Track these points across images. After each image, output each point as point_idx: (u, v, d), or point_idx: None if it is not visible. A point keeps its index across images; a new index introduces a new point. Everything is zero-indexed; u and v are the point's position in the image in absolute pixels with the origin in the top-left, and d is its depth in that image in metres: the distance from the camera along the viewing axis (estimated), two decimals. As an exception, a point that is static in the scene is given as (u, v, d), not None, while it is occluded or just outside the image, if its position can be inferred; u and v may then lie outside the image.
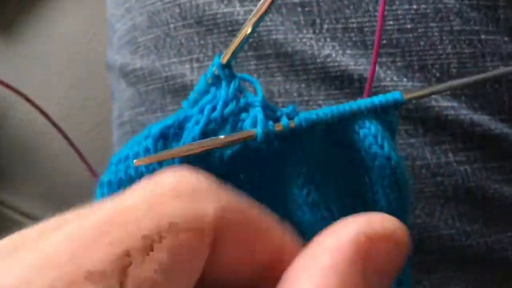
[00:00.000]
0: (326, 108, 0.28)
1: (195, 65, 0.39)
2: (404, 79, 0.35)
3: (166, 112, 0.41)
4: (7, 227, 0.64)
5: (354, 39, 0.36)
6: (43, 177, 0.64)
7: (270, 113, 0.28)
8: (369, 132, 0.28)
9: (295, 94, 0.36)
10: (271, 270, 0.18)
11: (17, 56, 0.68)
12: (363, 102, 0.29)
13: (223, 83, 0.28)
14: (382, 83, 0.35)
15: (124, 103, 0.45)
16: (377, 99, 0.30)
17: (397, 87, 0.35)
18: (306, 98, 0.36)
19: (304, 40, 0.36)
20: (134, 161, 0.27)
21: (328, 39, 0.36)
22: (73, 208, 0.17)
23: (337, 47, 0.36)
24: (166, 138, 0.29)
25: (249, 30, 0.27)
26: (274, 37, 0.36)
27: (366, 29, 0.36)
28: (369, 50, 0.36)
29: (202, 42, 0.39)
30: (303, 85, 0.36)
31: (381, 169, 0.29)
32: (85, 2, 0.67)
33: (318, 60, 0.36)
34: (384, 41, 0.35)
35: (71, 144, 0.49)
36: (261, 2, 0.27)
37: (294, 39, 0.36)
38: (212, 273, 0.18)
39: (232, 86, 0.28)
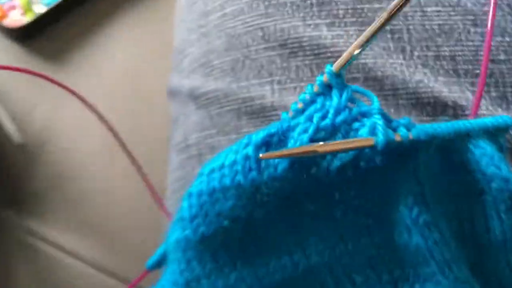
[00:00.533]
0: (442, 124, 0.27)
1: (276, 86, 0.38)
2: (499, 109, 0.34)
3: (240, 135, 0.40)
4: (39, 258, 0.61)
5: (446, 67, 0.35)
6: (78, 210, 0.62)
7: (386, 123, 0.27)
8: (485, 152, 0.27)
9: None
10: None
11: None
12: (477, 121, 0.28)
13: (334, 91, 0.27)
14: (478, 112, 0.34)
15: (190, 127, 0.44)
16: (489, 120, 0.28)
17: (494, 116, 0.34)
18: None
19: (394, 65, 0.35)
20: (261, 154, 0.25)
21: (419, 66, 0.35)
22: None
23: (428, 74, 0.35)
24: (269, 145, 0.28)
25: (358, 51, 0.26)
26: (363, 61, 0.36)
27: (458, 58, 0.35)
28: (461, 78, 0.35)
29: (284, 64, 0.38)
30: (392, 110, 0.35)
31: (498, 192, 0.27)
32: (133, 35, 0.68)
33: (410, 85, 0.35)
34: (477, 71, 0.35)
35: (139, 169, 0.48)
36: (373, 24, 0.26)
37: (384, 64, 0.36)
38: None
39: (344, 94, 0.27)
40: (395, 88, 0.35)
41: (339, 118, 0.27)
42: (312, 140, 0.27)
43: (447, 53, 0.35)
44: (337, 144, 0.25)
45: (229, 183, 0.27)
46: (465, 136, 0.27)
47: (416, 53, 0.35)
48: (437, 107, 0.35)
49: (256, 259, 0.26)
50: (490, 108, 0.34)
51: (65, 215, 0.63)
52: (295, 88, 0.38)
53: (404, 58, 0.35)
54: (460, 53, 0.35)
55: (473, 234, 0.28)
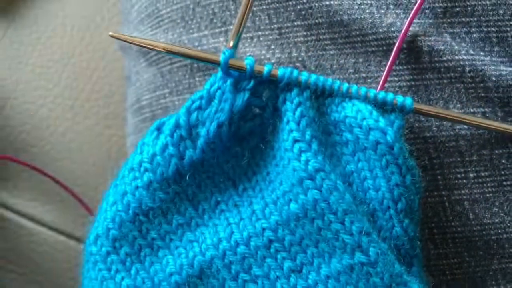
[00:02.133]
0: (321, 77, 0.28)
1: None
2: (481, 53, 0.30)
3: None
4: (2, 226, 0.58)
5: (424, 5, 0.30)
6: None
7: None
8: (360, 108, 0.27)
9: (350, 70, 0.31)
10: None
11: (16, 42, 0.62)
12: (369, 91, 0.28)
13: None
14: (457, 57, 0.30)
15: (143, 87, 0.40)
16: (387, 96, 0.28)
17: (474, 62, 0.30)
18: (363, 75, 0.31)
19: (362, 6, 0.31)
20: (110, 33, 0.28)
21: (391, 6, 0.31)
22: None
23: (401, 15, 0.31)
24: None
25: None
26: (327, 2, 0.31)
27: (435, -6, 0.30)
28: (439, 18, 0.30)
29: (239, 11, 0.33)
30: (360, 60, 0.31)
31: (376, 145, 0.27)
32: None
33: (380, 30, 0.31)
34: (458, 9, 0.30)
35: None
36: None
37: (351, 5, 0.31)
38: None
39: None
40: (363, 34, 0.31)
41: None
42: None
43: (422, -10, 0.30)
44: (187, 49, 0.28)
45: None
46: (347, 99, 0.28)
47: (387, -9, 0.31)
48: (411, 54, 0.30)
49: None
50: (471, 52, 0.30)
51: (28, 181, 0.60)
52: (251, 38, 0.33)
53: (374, -2, 0.31)
54: (436, -12, 0.30)
55: (362, 197, 0.27)
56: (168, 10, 0.36)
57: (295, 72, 0.28)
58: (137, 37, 0.27)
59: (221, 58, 0.27)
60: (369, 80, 0.31)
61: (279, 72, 0.28)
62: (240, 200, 0.28)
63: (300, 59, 0.32)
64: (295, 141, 0.26)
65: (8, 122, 0.61)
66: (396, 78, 0.31)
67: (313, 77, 0.28)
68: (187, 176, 0.28)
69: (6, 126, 0.61)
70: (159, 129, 0.29)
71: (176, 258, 0.27)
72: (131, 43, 0.27)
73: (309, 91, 0.28)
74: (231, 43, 0.28)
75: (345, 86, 0.28)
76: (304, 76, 0.28)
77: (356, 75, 0.31)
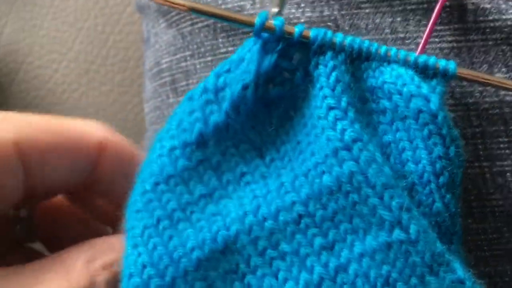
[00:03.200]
0: (357, 38, 0.26)
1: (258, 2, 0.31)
2: None
3: (218, 56, 0.33)
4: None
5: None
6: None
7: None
8: (401, 73, 0.25)
9: (387, 30, 0.29)
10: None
11: (30, 4, 0.60)
12: (409, 54, 0.26)
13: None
14: (504, 16, 0.27)
15: (162, 49, 0.37)
16: (428, 59, 0.26)
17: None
18: (401, 35, 0.29)
19: (401, -40, 0.28)
20: None
21: (433, -40, 0.28)
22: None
23: (444, -30, 0.28)
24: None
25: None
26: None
27: None
28: (486, -26, 0.28)
29: (266, -34, 0.31)
30: (398, 19, 0.29)
31: (418, 113, 0.25)
32: None
33: (421, -14, 0.28)
34: (506, -37, 0.28)
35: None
36: None
37: (389, -41, 0.28)
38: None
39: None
40: None
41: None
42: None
43: None
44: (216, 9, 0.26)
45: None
46: (385, 63, 0.26)
47: None
48: (453, 13, 0.28)
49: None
50: None
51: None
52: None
53: (414, -49, 0.28)
54: None
55: (399, 170, 0.25)
56: (190, -33, 0.34)
57: (329, 34, 0.25)
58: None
59: (256, 20, 0.25)
60: (407, 41, 0.29)
61: (311, 33, 0.25)
62: (268, 172, 0.26)
63: (332, 18, 0.29)
64: (330, 108, 0.24)
65: (22, 87, 0.60)
66: (436, 39, 0.28)
67: (349, 38, 0.25)
68: (211, 142, 0.26)
69: (20, 92, 0.60)
70: (190, 98, 0.27)
71: (198, 232, 0.25)
72: (157, 1, 0.25)
73: (344, 54, 0.25)
74: (275, 9, 0.26)
75: (383, 48, 0.26)
76: (339, 37, 0.25)
77: (393, 35, 0.29)
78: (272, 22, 0.25)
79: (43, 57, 0.60)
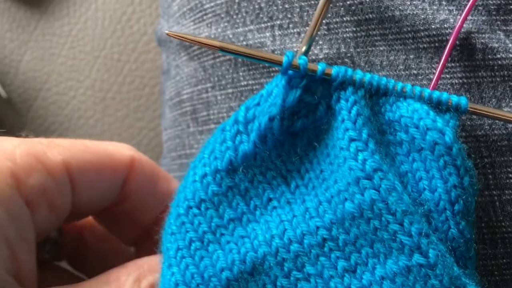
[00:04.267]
0: (376, 76, 0.28)
1: (278, 32, 0.33)
2: None
3: (238, 88, 0.35)
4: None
5: (477, 2, 0.30)
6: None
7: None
8: (417, 108, 0.27)
9: (401, 67, 0.31)
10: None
11: (49, 34, 0.62)
12: (424, 90, 0.28)
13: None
14: (511, 55, 0.29)
15: (183, 80, 0.39)
16: (441, 95, 0.28)
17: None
18: (414, 72, 0.30)
19: (415, 2, 0.30)
20: (166, 31, 0.29)
21: (443, 2, 0.30)
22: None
23: (454, 12, 0.30)
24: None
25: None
26: (378, -2, 0.31)
27: (489, -9, 0.30)
28: (492, 16, 0.30)
29: (287, 6, 0.33)
30: (411, 56, 0.30)
31: (434, 146, 0.26)
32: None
33: (433, 26, 0.30)
34: (512, 6, 0.30)
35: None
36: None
37: (403, 1, 0.30)
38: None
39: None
40: (415, 30, 0.30)
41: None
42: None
43: (476, -14, 0.30)
44: (244, 48, 0.28)
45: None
46: (401, 98, 0.28)
47: (439, -13, 0.30)
48: (464, 51, 0.30)
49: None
50: None
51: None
52: (298, 33, 0.33)
53: (426, -6, 0.30)
54: (491, -15, 0.30)
55: (416, 198, 0.27)
56: (212, 4, 0.36)
57: (350, 71, 0.27)
58: (191, 35, 0.27)
59: (284, 60, 0.27)
60: (420, 77, 0.30)
61: (333, 70, 0.27)
62: (293, 198, 0.28)
63: (349, 55, 0.31)
64: (352, 140, 0.26)
65: (40, 113, 0.62)
66: (448, 75, 0.30)
67: (368, 76, 0.27)
68: (240, 169, 0.28)
69: (38, 117, 0.61)
70: (223, 130, 0.29)
71: (227, 253, 0.27)
72: (187, 41, 0.27)
73: (363, 89, 0.27)
74: (303, 49, 0.28)
75: (399, 85, 0.27)
76: (358, 75, 0.27)
77: (407, 71, 0.30)
78: (297, 61, 0.27)
79: (61, 84, 0.61)
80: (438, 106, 0.27)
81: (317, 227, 0.26)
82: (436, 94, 0.27)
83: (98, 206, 0.32)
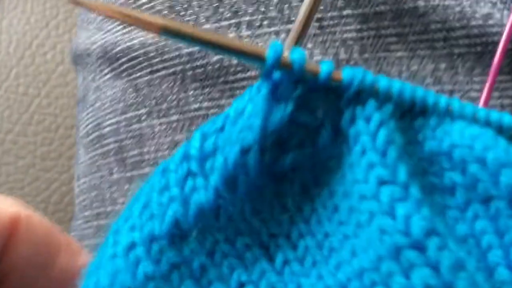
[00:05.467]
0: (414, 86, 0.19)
1: (246, 32, 0.24)
2: None
3: (187, 114, 0.25)
4: None
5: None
6: None
7: None
8: (478, 134, 0.18)
9: (428, 80, 0.23)
10: None
11: None
12: (478, 110, 0.19)
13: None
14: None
15: (105, 108, 0.29)
16: (504, 117, 0.19)
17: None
18: (448, 87, 0.22)
19: (444, -10, 0.22)
20: None
21: (483, -9, 0.22)
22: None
23: (499, 4, 0.22)
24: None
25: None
26: (392, -16, 0.22)
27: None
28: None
29: (257, -4, 0.24)
30: (442, 65, 0.23)
31: None
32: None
33: (473, 23, 0.22)
34: None
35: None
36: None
37: (428, -12, 0.22)
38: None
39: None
40: (447, 28, 0.23)
41: None
42: None
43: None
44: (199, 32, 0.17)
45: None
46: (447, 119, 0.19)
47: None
48: (518, 58, 0.22)
49: None
50: None
51: None
52: (277, 33, 0.23)
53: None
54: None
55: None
56: (149, -2, 0.26)
57: (369, 75, 0.18)
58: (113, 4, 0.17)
59: (268, 52, 0.17)
60: (455, 95, 0.22)
61: (344, 74, 0.18)
62: (280, 280, 0.18)
63: (352, 62, 0.22)
64: (382, 182, 0.16)
65: None
66: (496, 93, 0.22)
67: (396, 83, 0.18)
68: (193, 235, 0.17)
69: None
70: (165, 170, 0.19)
71: None
72: (104, 13, 0.16)
73: (392, 104, 0.18)
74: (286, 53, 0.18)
75: (442, 100, 0.18)
76: (383, 81, 0.18)
77: (437, 87, 0.23)
78: (287, 56, 0.17)
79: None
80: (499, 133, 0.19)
81: None
82: (495, 115, 0.18)
83: None
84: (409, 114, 0.18)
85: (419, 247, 0.16)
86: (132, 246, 0.18)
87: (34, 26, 0.52)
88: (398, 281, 0.16)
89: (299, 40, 0.20)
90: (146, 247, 0.18)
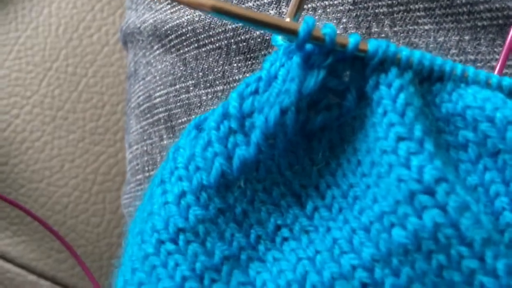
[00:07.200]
0: (433, 56, 0.21)
1: (285, 9, 0.27)
2: None
3: (231, 84, 0.28)
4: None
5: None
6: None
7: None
8: (488, 96, 0.20)
9: (453, 51, 0.25)
10: None
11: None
12: (491, 76, 0.21)
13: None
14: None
15: (156, 80, 0.32)
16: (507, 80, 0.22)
17: None
18: (471, 57, 0.25)
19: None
20: None
21: (506, -33, 0.24)
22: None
23: (521, -20, 0.24)
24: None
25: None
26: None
27: None
28: None
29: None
30: (466, 37, 0.25)
31: None
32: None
33: (495, -3, 0.24)
34: None
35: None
36: None
37: (453, -36, 0.24)
38: None
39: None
40: (472, 2, 0.24)
41: None
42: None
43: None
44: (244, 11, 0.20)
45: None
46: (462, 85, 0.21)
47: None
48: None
49: None
50: None
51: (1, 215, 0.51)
52: (314, 9, 0.26)
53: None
54: None
55: (493, 221, 0.20)
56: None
57: (393, 46, 0.21)
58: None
59: (302, 27, 0.20)
60: (478, 64, 0.25)
61: (370, 45, 0.20)
62: (311, 224, 0.21)
63: (383, 35, 0.25)
64: (400, 139, 0.19)
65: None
66: (511, 62, 0.24)
67: (417, 53, 0.21)
68: (236, 186, 0.20)
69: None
70: (199, 127, 0.21)
71: None
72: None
73: (411, 72, 0.20)
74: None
75: (458, 67, 0.21)
76: (404, 51, 0.21)
77: (461, 57, 0.25)
78: (320, 30, 0.20)
79: (2, 100, 0.53)
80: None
81: (353, 267, 0.19)
82: (506, 81, 0.21)
83: None
84: (428, 81, 0.21)
85: (430, 192, 0.18)
86: (182, 194, 0.21)
87: (81, 10, 0.55)
88: (412, 221, 0.19)
89: (298, 11, 0.22)
90: (196, 195, 0.21)
